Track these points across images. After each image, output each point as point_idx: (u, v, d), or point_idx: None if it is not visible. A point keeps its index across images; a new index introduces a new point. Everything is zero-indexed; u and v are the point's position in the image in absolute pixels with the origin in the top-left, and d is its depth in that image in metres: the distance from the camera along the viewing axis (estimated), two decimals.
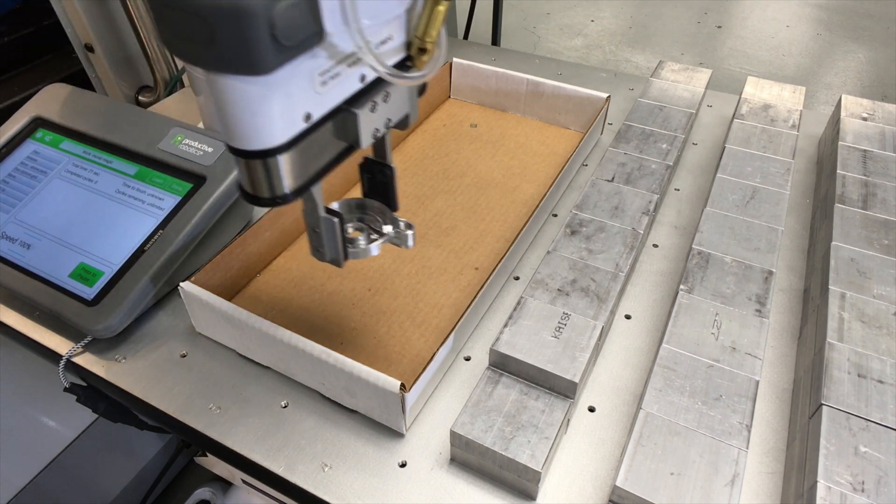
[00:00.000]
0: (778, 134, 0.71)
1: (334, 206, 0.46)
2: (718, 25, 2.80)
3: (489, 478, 0.45)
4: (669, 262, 0.63)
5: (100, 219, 0.58)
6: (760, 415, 0.49)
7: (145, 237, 0.56)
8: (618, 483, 0.39)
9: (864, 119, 0.73)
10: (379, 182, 0.46)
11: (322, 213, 0.41)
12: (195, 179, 0.58)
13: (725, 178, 0.64)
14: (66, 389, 0.57)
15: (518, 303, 0.50)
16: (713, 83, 0.84)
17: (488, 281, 0.54)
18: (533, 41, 2.72)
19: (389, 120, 0.41)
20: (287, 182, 0.36)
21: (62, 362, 0.54)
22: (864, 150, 0.68)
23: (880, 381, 0.44)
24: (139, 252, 0.55)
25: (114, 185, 0.60)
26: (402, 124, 0.43)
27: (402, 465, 0.46)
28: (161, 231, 0.56)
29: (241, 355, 0.53)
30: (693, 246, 0.56)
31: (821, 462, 0.40)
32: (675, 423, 0.42)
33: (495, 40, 1.56)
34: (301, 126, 0.34)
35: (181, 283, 0.51)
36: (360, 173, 0.47)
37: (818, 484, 0.38)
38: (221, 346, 0.54)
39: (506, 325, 0.48)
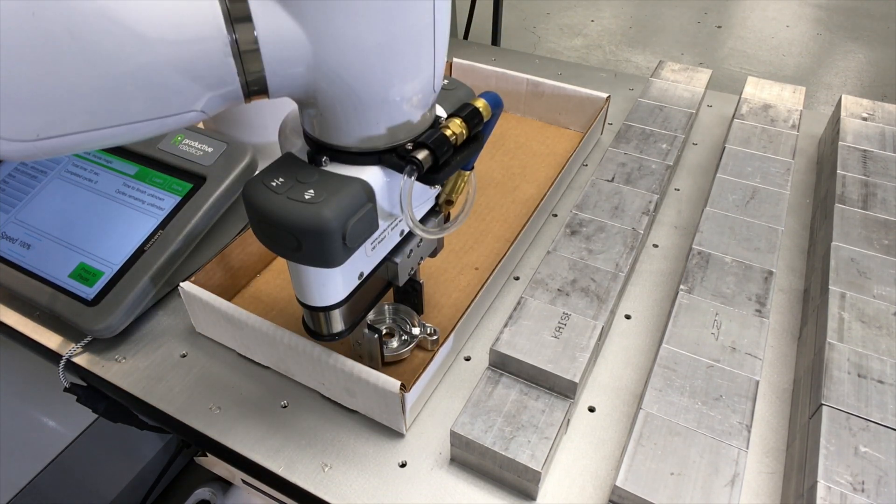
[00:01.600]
0: (778, 134, 0.71)
1: (371, 315, 0.53)
2: (718, 25, 2.80)
3: (489, 478, 0.45)
4: (669, 262, 0.63)
5: (100, 219, 0.58)
6: (760, 415, 0.49)
7: (145, 237, 0.56)
8: (618, 483, 0.39)
9: (864, 119, 0.73)
10: (409, 292, 0.54)
11: (365, 331, 0.47)
12: (195, 179, 0.58)
13: (725, 178, 0.64)
14: (66, 389, 0.57)
15: (518, 303, 0.50)
16: (713, 83, 0.84)
17: (488, 281, 0.54)
18: (533, 41, 2.72)
19: (422, 258, 0.48)
20: (342, 324, 0.44)
21: (62, 362, 0.54)
22: (864, 150, 0.68)
23: (880, 382, 0.44)
24: (139, 252, 0.55)
25: (114, 185, 0.60)
26: (432, 255, 0.50)
27: (402, 465, 0.46)
28: (161, 231, 0.56)
29: (241, 355, 0.53)
30: (693, 246, 0.56)
31: (821, 462, 0.40)
32: (675, 423, 0.42)
33: (495, 40, 1.56)
34: (355, 283, 0.42)
35: (181, 283, 0.51)
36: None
37: (818, 484, 0.38)
38: (221, 346, 0.54)
39: (506, 325, 0.48)
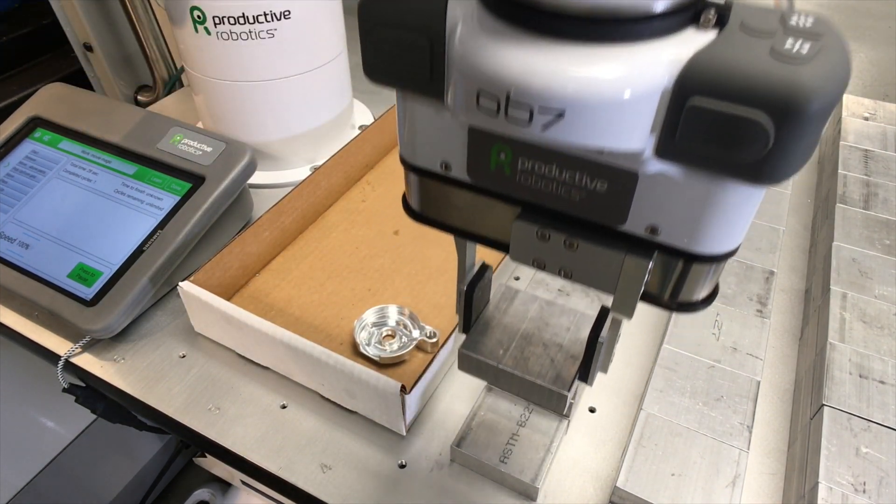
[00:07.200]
0: None
1: (373, 316, 0.54)
2: None
3: (489, 478, 0.44)
4: None
5: (98, 219, 0.58)
6: (761, 415, 0.49)
7: (144, 237, 0.55)
8: (618, 484, 0.39)
9: (866, 119, 0.73)
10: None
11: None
12: (194, 179, 0.58)
13: None
14: (64, 390, 0.57)
15: None
16: None
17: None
18: None
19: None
20: None
21: (61, 363, 0.53)
22: (866, 150, 0.68)
23: (882, 382, 0.44)
24: (138, 252, 0.55)
25: (112, 184, 0.60)
26: None
27: (402, 466, 0.45)
28: (160, 231, 0.56)
29: (240, 355, 0.53)
30: None
31: (822, 463, 0.39)
32: (676, 423, 0.42)
33: None
34: None
35: (180, 283, 0.51)
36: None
37: (819, 485, 0.38)
38: (220, 347, 0.54)
39: None
